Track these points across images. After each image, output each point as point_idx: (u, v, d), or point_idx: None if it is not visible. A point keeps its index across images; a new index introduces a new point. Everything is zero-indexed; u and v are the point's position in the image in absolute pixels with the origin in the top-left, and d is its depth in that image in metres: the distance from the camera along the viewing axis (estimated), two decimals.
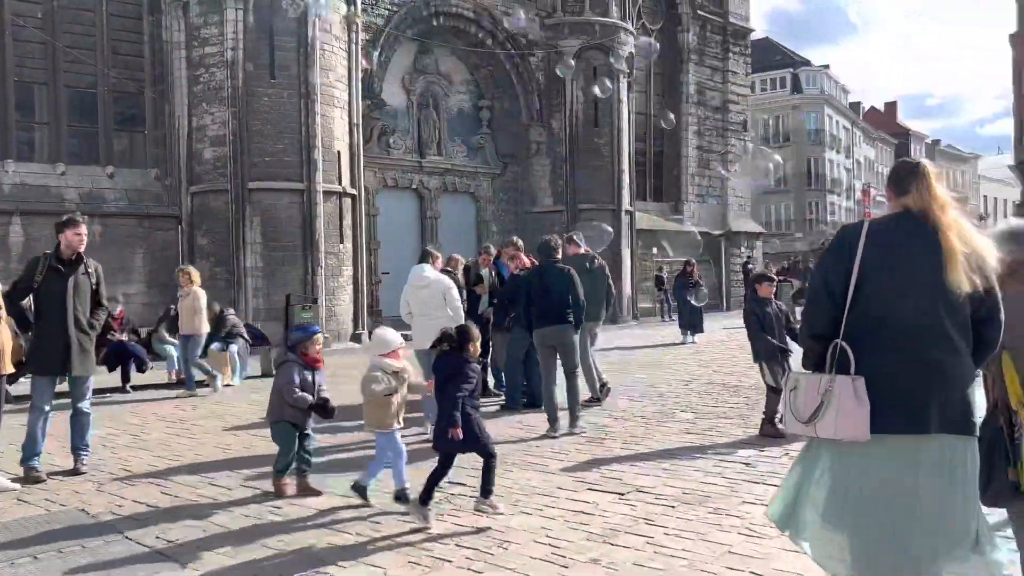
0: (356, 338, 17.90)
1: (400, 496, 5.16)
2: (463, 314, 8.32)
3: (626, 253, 23.82)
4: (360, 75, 18.54)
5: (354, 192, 18.08)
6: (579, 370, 8.13)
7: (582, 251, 9.81)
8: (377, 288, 20.36)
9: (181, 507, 5.44)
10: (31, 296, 6.39)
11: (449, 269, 9.61)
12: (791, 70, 55.26)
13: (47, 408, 6.40)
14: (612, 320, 22.62)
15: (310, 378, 5.78)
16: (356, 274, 18.17)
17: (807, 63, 57.03)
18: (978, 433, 2.70)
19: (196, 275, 11.29)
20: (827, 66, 58.20)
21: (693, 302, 16.49)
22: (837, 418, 2.61)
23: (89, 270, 6.47)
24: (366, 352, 5.51)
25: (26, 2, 16.75)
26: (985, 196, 76.65)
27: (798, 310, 6.34)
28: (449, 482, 5.83)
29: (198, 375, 11.05)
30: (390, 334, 5.56)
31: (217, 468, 6.55)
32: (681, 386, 10.53)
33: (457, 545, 4.53)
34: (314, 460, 5.88)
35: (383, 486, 5.76)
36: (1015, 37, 50.63)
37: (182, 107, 17.32)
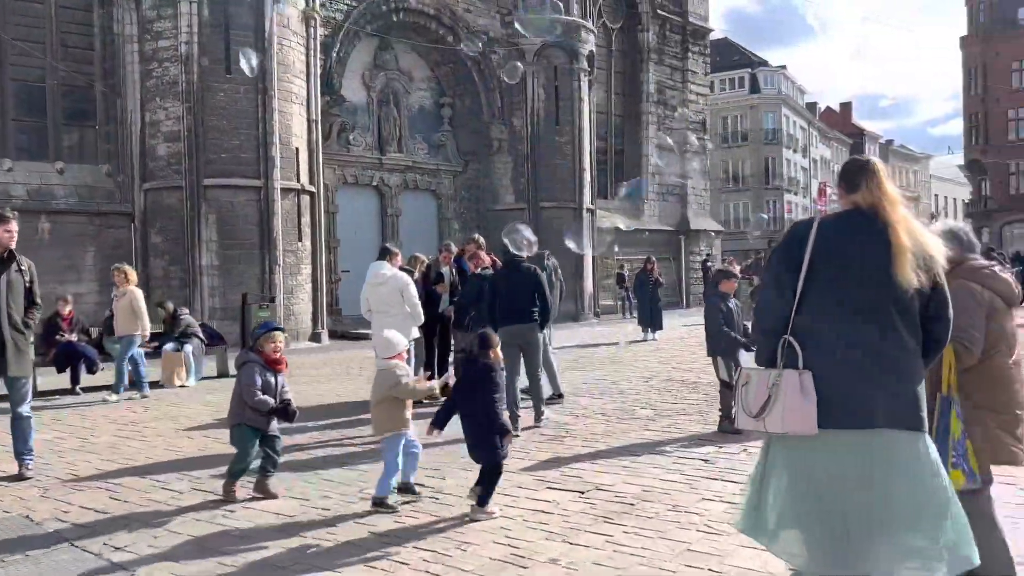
0: (315, 337, 17.69)
1: (377, 501, 5.14)
2: (421, 311, 8.26)
3: (588, 251, 23.89)
4: (319, 71, 18.30)
5: (313, 189, 17.85)
6: (541, 368, 8.13)
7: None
8: (337, 286, 20.14)
9: (130, 513, 5.29)
10: None
11: (408, 268, 9.53)
12: (749, 70, 55.99)
13: None
14: (574, 318, 22.74)
15: (272, 380, 5.65)
16: (315, 272, 17.95)
17: (765, 64, 57.83)
18: (927, 426, 2.71)
19: (133, 274, 10.84)
20: (784, 67, 59.10)
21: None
22: (784, 412, 2.62)
23: (22, 267, 6.24)
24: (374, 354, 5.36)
25: None
26: (936, 195, 78.56)
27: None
28: (408, 483, 5.78)
29: (160, 376, 10.79)
30: (396, 336, 5.52)
31: (169, 472, 6.38)
32: (641, 383, 10.58)
33: (415, 547, 4.46)
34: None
35: (342, 486, 5.68)
36: (965, 40, 52.03)
37: (134, 102, 16.92)
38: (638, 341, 16.63)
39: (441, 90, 23.11)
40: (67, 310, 11.41)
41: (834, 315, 2.68)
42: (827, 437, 2.63)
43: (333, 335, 18.52)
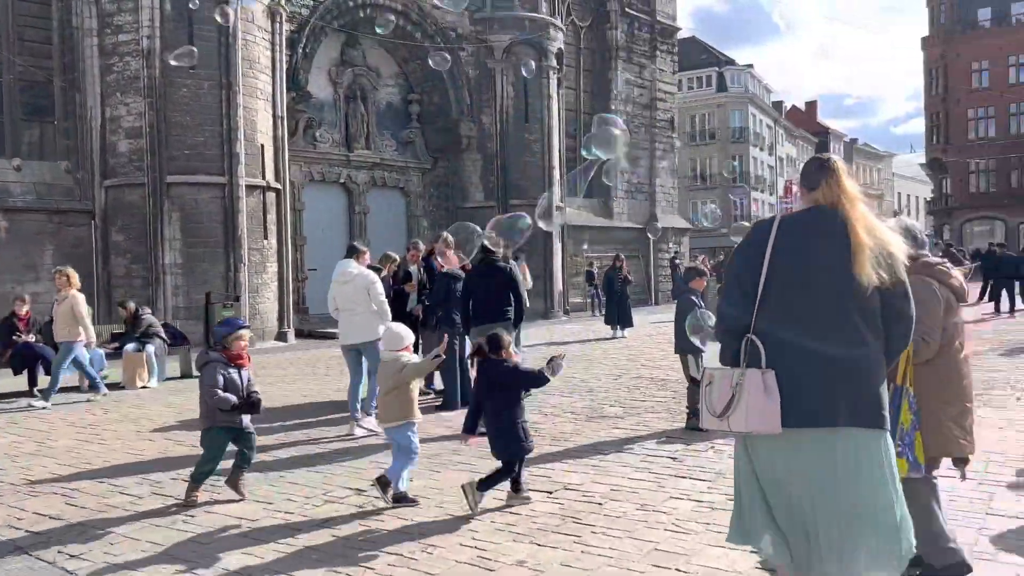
0: (282, 336, 17.46)
1: (391, 492, 5.16)
2: (388, 309, 8.17)
3: (557, 248, 23.90)
4: (284, 66, 18.06)
5: (279, 186, 17.61)
6: None
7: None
8: (304, 285, 19.91)
9: (87, 519, 5.14)
10: None
11: (377, 266, 9.43)
12: (716, 69, 56.42)
13: None
14: (543, 316, 22.73)
15: (236, 377, 5.53)
16: (281, 271, 17.71)
17: (732, 62, 58.32)
18: (889, 425, 2.71)
19: (75, 278, 10.26)
20: (751, 66, 59.63)
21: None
22: (747, 412, 2.60)
23: None
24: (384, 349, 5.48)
25: None
26: (899, 193, 79.89)
27: None
28: (372, 483, 5.70)
29: (121, 377, 10.54)
30: (403, 329, 5.58)
31: (128, 475, 6.23)
32: (611, 381, 10.58)
33: (381, 551, 4.39)
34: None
35: (306, 489, 5.58)
36: (926, 40, 52.96)
37: (94, 97, 16.53)
38: (607, 339, 16.65)
39: (409, 87, 22.94)
40: (24, 310, 11.11)
41: (796, 313, 2.67)
42: (791, 436, 2.62)
43: (300, 334, 18.30)
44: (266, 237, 17.13)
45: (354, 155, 21.42)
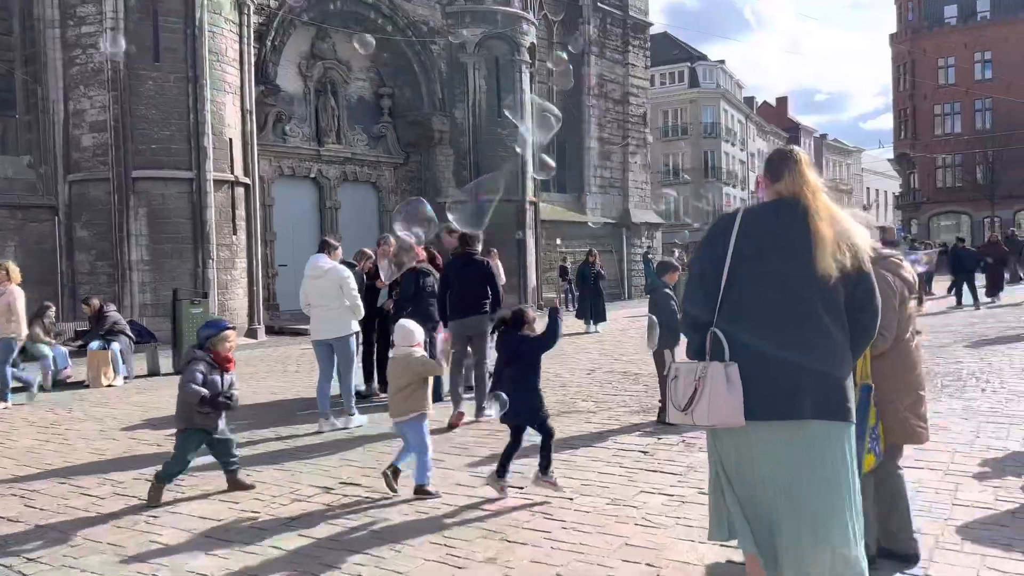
0: (252, 333, 17.25)
1: (419, 488, 5.20)
2: (361, 304, 8.10)
3: (531, 243, 23.88)
4: (253, 59, 17.81)
5: (247, 181, 17.37)
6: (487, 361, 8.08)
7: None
8: (274, 281, 19.68)
9: (46, 522, 5.00)
10: None
11: (352, 262, 9.33)
12: (688, 65, 56.71)
13: None
14: None
15: (217, 379, 5.43)
16: (251, 267, 17.49)
17: (704, 58, 58.65)
18: (854, 418, 2.70)
19: (16, 272, 9.86)
20: (723, 61, 60.03)
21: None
22: (711, 405, 2.58)
23: None
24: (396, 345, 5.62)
25: None
26: (868, 188, 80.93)
27: None
28: (341, 482, 5.63)
29: (86, 375, 10.31)
30: (414, 325, 5.67)
31: (90, 476, 6.09)
32: (583, 375, 10.56)
33: (348, 550, 4.32)
34: (203, 460, 5.56)
35: (273, 487, 5.49)
36: (894, 37, 53.65)
37: (57, 90, 16.20)
38: (580, 333, 16.66)
39: (381, 80, 22.74)
40: None
41: (759, 305, 2.65)
42: (756, 429, 2.60)
43: (270, 331, 18.10)
44: (235, 233, 16.90)
45: (325, 150, 21.21)
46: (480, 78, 22.84)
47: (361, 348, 9.15)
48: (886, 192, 79.46)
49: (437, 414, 7.95)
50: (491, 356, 9.18)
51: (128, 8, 15.59)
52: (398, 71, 22.65)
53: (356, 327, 8.11)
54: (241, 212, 17.14)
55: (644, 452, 6.24)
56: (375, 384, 9.55)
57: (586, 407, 8.28)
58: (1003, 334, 12.85)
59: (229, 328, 5.70)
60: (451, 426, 7.49)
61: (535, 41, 24.40)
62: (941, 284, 21.82)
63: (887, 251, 3.71)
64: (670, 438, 6.59)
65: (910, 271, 3.78)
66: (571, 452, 6.30)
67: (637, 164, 30.82)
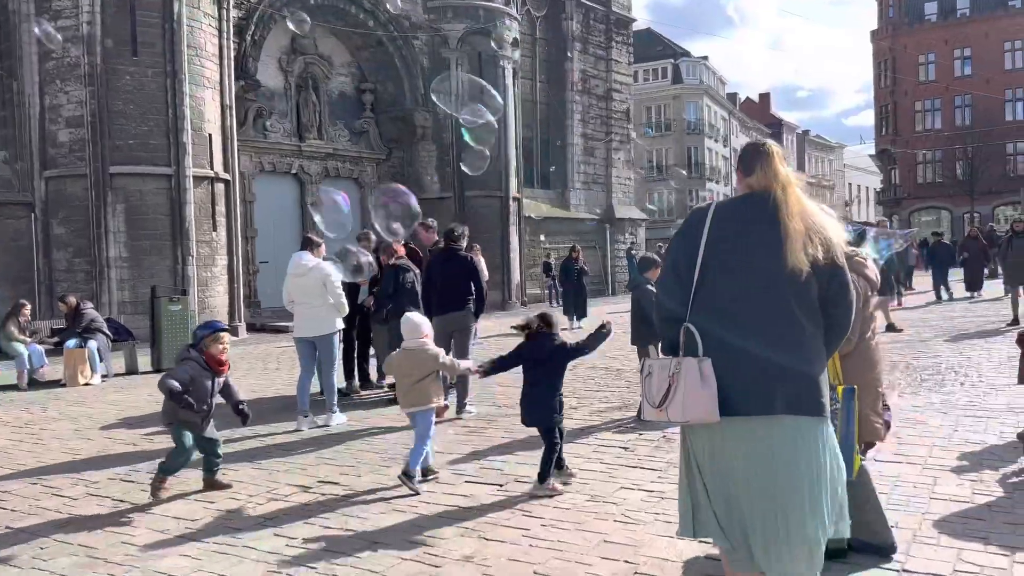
0: (233, 331, 17.06)
1: (407, 474, 5.26)
2: (345, 302, 8.04)
3: (514, 240, 23.83)
4: (233, 54, 17.63)
5: (227, 177, 17.20)
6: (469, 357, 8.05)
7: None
8: (255, 278, 19.52)
9: (17, 524, 4.91)
10: None
11: (333, 259, 9.25)
12: (672, 61, 56.79)
13: None
14: (501, 307, 22.66)
15: (208, 382, 5.33)
16: (231, 264, 17.31)
17: (687, 54, 58.75)
18: (829, 412, 2.68)
19: None
20: (706, 57, 60.16)
21: None
22: (684, 401, 2.55)
23: None
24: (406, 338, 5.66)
25: None
26: (850, 184, 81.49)
27: None
28: (319, 481, 5.57)
29: (62, 374, 10.17)
30: (421, 318, 5.80)
31: (63, 476, 5.99)
32: (566, 372, 10.51)
33: (324, 549, 4.27)
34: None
35: (250, 487, 5.42)
36: (875, 33, 54.01)
37: (32, 85, 15.96)
38: (563, 329, 16.61)
39: (362, 75, 22.59)
40: None
41: (731, 300, 2.62)
42: (729, 425, 2.57)
43: (252, 328, 17.95)
44: (215, 229, 16.74)
45: (306, 145, 21.05)
46: (462, 73, 22.73)
47: (341, 346, 9.09)
48: (868, 188, 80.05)
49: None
50: (473, 352, 9.16)
51: (105, 2, 15.37)
52: (380, 66, 22.52)
53: (340, 324, 8.05)
54: (221, 208, 16.96)
55: (625, 448, 6.22)
56: (355, 382, 9.48)
57: (567, 403, 8.22)
58: (982, 328, 12.95)
59: (223, 330, 5.59)
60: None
61: (518, 36, 24.34)
62: (922, 280, 21.99)
63: (851, 249, 3.71)
64: (651, 434, 6.57)
65: (873, 270, 3.80)
66: None
67: (620, 160, 30.83)
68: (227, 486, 5.45)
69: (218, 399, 5.59)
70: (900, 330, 12.86)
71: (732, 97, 67.73)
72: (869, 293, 3.71)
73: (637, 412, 7.28)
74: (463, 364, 5.92)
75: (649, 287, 7.50)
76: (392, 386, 9.13)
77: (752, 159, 2.75)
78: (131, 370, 12.04)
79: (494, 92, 7.92)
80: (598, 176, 29.89)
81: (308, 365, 7.82)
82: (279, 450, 6.62)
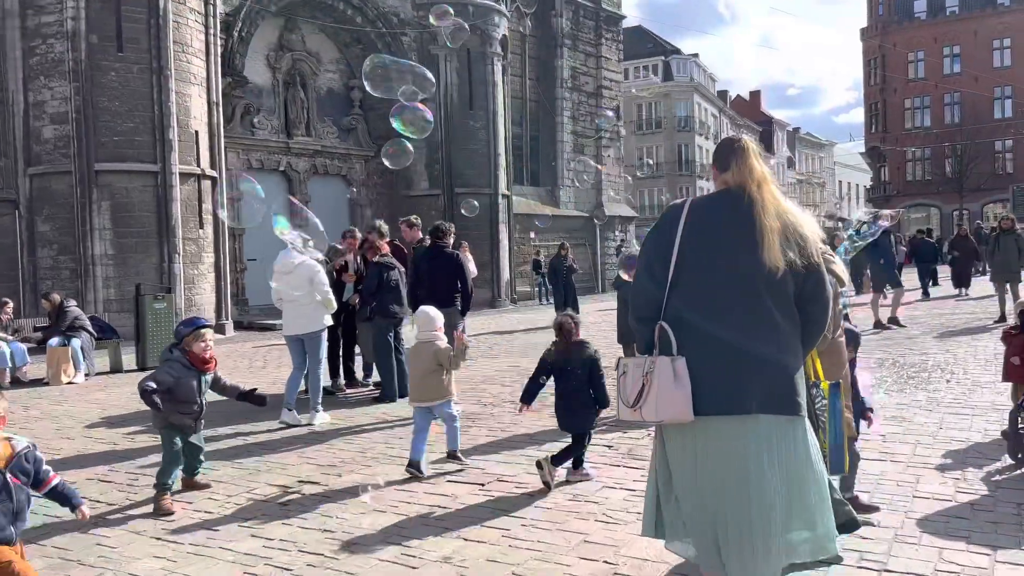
0: (220, 329, 16.95)
1: (453, 455, 5.67)
2: (333, 298, 7.99)
3: (504, 237, 23.78)
4: (219, 50, 17.50)
5: (214, 174, 17.08)
6: None
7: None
8: (243, 276, 19.41)
9: None
10: None
11: (325, 258, 9.18)
12: (662, 58, 56.80)
13: None
14: (490, 304, 22.62)
15: (193, 382, 5.16)
16: (219, 261, 17.20)
17: (678, 52, 58.77)
18: (805, 411, 2.64)
19: None
20: (697, 55, 60.20)
21: None
22: (658, 401, 2.51)
23: None
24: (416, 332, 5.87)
25: None
26: (840, 181, 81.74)
27: None
28: (299, 481, 5.52)
29: (45, 372, 10.08)
30: (434, 311, 5.90)
31: None
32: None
33: (300, 551, 4.21)
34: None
35: (229, 487, 5.36)
36: (865, 31, 54.14)
37: (16, 81, 15.80)
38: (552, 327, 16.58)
39: (351, 72, 22.45)
40: None
41: (706, 299, 2.58)
42: (704, 424, 2.53)
43: (239, 326, 17.85)
44: (201, 227, 16.63)
45: (294, 142, 20.94)
46: (451, 71, 22.68)
47: (326, 344, 9.04)
48: (857, 185, 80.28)
49: (400, 411, 7.89)
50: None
51: None
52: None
53: (328, 321, 8.01)
54: (208, 205, 16.85)
55: (609, 446, 6.18)
56: (341, 380, 9.41)
57: (552, 401, 8.19)
58: (969, 325, 12.97)
59: (205, 326, 5.41)
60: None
61: (507, 33, 24.27)
62: (906, 278, 22.02)
63: (821, 246, 3.73)
64: (634, 432, 6.54)
65: (841, 268, 3.81)
66: (536, 448, 6.24)
67: (610, 158, 30.80)
68: (206, 486, 5.38)
69: (210, 397, 5.51)
70: (904, 327, 12.84)
71: (723, 95, 67.83)
72: (837, 290, 3.71)
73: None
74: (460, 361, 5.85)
75: None
76: (378, 384, 9.10)
77: (727, 155, 2.71)
78: (115, 368, 11.94)
79: (427, 74, 7.78)
80: (588, 173, 29.85)
81: (299, 363, 7.79)
82: (260, 449, 6.56)
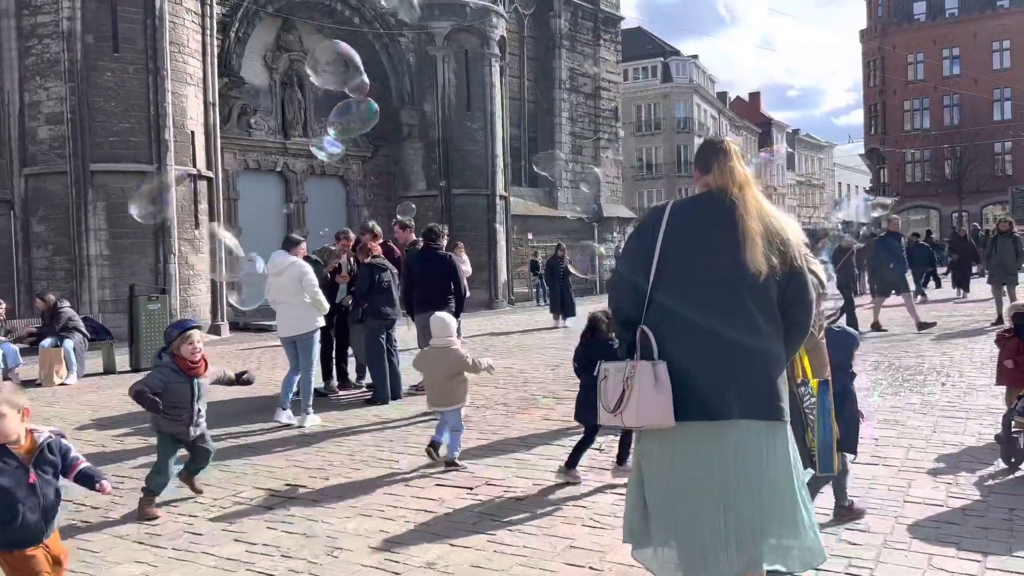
0: (215, 330, 16.95)
1: (451, 463, 5.69)
2: (323, 299, 7.95)
3: (501, 238, 23.74)
4: (216, 51, 17.47)
5: (210, 175, 17.05)
6: None
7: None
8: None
9: None
10: None
11: (316, 258, 9.13)
12: (662, 59, 56.79)
13: None
14: (488, 305, 22.58)
15: (185, 388, 5.03)
16: (215, 262, 17.17)
17: (677, 53, 58.75)
18: (787, 417, 2.60)
19: None
20: (696, 56, 60.18)
21: None
22: (639, 406, 2.46)
23: None
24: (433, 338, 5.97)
25: None
26: (839, 182, 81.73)
27: None
28: (287, 484, 5.48)
29: (38, 373, 10.04)
30: (448, 317, 6.02)
31: None
32: (547, 372, 10.46)
33: (283, 556, 4.17)
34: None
35: (216, 489, 5.31)
36: (864, 33, 54.10)
37: (12, 81, 15.78)
38: (549, 328, 16.57)
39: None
40: None
41: (687, 302, 2.54)
42: (685, 430, 2.49)
43: (235, 327, 17.81)
44: (197, 227, 16.59)
45: (291, 143, 20.91)
46: (449, 71, 22.66)
47: (318, 346, 9.00)
48: (857, 187, 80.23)
49: (390, 412, 7.85)
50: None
51: None
52: (366, 64, 22.17)
53: (320, 323, 7.97)
54: (204, 206, 16.82)
55: (599, 450, 6.11)
56: (333, 382, 9.37)
57: (546, 404, 8.16)
58: (966, 328, 12.92)
59: (192, 328, 5.19)
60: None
61: (505, 35, 24.24)
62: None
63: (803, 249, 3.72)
64: (626, 436, 6.48)
65: (819, 268, 3.78)
66: (525, 451, 6.19)
67: (609, 159, 30.77)
68: (198, 491, 5.30)
69: (211, 397, 5.44)
70: (885, 329, 12.81)
71: (722, 96, 67.81)
72: (819, 289, 3.68)
73: None
74: (485, 362, 5.95)
75: None
76: (370, 386, 9.05)
77: (709, 157, 2.67)
78: (109, 369, 11.89)
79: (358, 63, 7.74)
80: (586, 175, 29.83)
81: (295, 364, 7.76)
82: (249, 451, 6.51)
